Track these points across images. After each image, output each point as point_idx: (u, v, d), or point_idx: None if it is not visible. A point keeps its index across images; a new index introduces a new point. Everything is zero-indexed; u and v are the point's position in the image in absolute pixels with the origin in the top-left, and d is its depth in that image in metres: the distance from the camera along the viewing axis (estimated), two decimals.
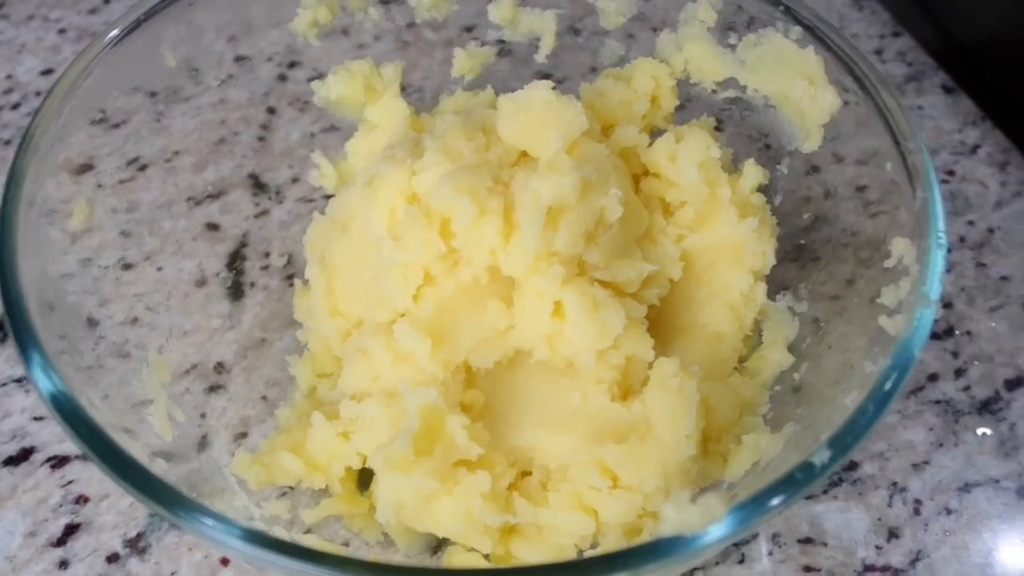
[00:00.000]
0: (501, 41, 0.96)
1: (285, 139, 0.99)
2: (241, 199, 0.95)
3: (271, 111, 0.99)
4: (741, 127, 0.89)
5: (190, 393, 0.82)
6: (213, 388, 0.84)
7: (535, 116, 0.76)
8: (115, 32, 0.78)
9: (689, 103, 0.90)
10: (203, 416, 0.81)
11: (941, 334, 0.94)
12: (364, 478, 0.79)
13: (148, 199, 0.86)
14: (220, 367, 0.86)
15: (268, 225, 0.96)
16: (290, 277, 0.93)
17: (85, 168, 0.79)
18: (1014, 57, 1.12)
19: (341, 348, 0.83)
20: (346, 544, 0.78)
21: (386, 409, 0.74)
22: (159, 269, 0.85)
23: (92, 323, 0.75)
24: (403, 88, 0.92)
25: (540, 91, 0.76)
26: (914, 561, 0.81)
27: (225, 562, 0.80)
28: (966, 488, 0.85)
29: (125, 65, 0.80)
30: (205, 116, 0.91)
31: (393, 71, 0.91)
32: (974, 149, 1.10)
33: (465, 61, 0.95)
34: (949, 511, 0.83)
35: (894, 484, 0.85)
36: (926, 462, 0.86)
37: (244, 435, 0.83)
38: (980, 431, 0.88)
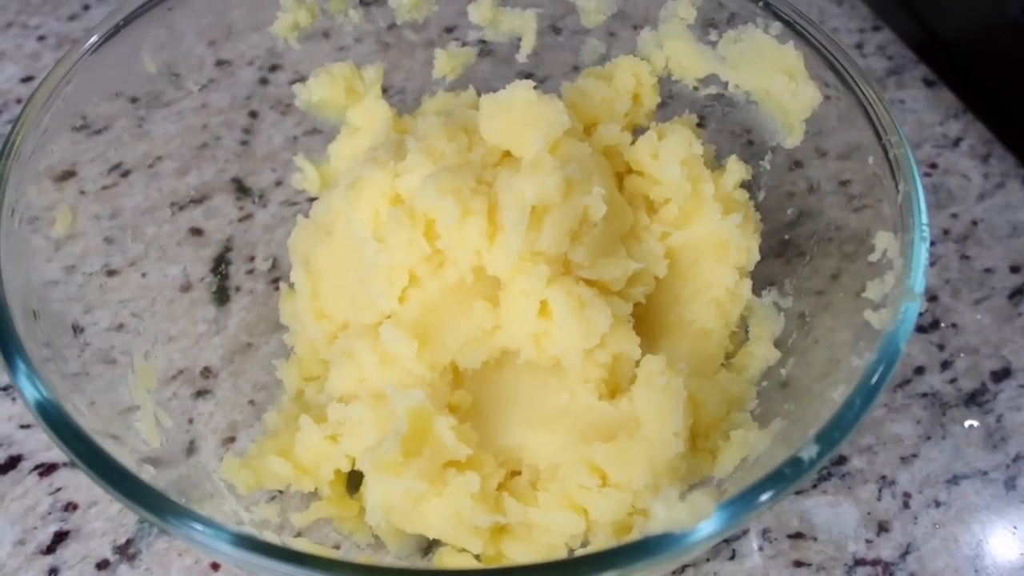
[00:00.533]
0: (482, 41, 0.95)
1: (268, 143, 0.99)
2: (224, 203, 0.95)
3: (253, 115, 0.99)
4: (723, 123, 0.89)
5: (177, 398, 0.82)
6: (200, 393, 0.84)
7: (517, 116, 0.76)
8: (95, 38, 0.78)
9: (671, 100, 0.90)
10: (190, 421, 0.81)
11: (927, 327, 0.95)
12: (353, 480, 0.79)
13: (131, 205, 0.85)
14: (207, 372, 0.86)
15: (252, 229, 0.96)
16: (275, 281, 0.93)
17: (67, 175, 0.79)
18: (994, 49, 1.13)
19: (327, 351, 0.83)
20: (337, 547, 0.78)
21: (374, 411, 0.73)
22: (143, 275, 0.85)
23: (77, 330, 0.74)
24: (385, 90, 0.92)
25: (522, 91, 0.76)
26: (904, 554, 0.81)
27: (216, 567, 0.80)
28: (954, 480, 0.85)
29: (105, 71, 0.80)
30: (187, 121, 0.91)
31: (374, 73, 0.91)
32: (956, 142, 1.10)
33: (446, 62, 0.95)
34: (938, 504, 0.84)
35: (883, 478, 0.85)
36: (914, 455, 0.86)
37: (232, 440, 0.83)
38: (967, 423, 0.88)
